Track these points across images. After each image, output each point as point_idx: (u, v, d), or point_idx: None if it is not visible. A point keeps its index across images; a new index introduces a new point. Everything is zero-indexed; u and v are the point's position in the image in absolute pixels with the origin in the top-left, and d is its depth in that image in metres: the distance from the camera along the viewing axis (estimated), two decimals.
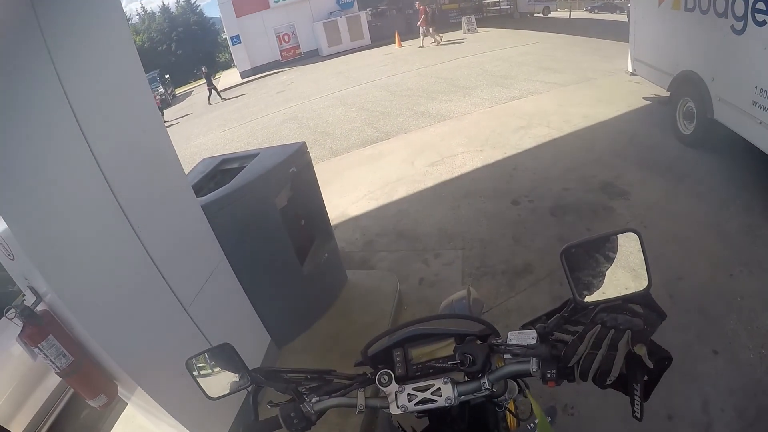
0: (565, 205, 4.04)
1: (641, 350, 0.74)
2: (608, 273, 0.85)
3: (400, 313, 3.18)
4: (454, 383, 0.97)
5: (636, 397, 0.76)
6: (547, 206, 4.09)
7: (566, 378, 0.85)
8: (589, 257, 0.87)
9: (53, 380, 2.78)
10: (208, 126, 12.29)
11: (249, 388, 1.08)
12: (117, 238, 1.78)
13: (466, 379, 1.00)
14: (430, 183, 5.06)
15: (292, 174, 2.75)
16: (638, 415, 0.76)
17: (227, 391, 1.06)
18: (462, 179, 4.98)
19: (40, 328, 1.51)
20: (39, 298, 1.58)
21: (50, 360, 1.54)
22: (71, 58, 1.64)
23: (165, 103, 17.61)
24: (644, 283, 0.82)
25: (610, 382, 0.77)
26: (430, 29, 16.56)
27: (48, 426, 2.80)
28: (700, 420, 2.08)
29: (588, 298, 0.86)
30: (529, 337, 0.91)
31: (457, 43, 15.96)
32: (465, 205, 4.44)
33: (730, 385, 2.20)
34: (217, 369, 1.09)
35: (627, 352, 0.76)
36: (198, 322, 2.10)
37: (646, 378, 0.77)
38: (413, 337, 1.07)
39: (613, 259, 0.85)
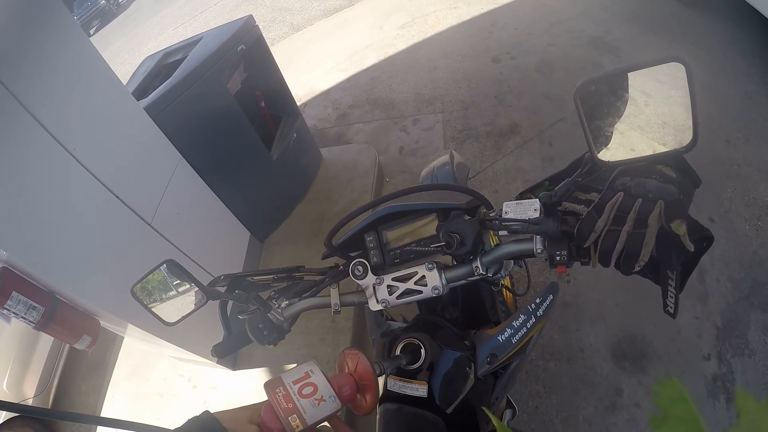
0: (551, 61, 3.71)
1: (680, 228, 0.56)
2: (639, 122, 0.63)
3: (383, 186, 3.07)
4: (441, 269, 0.81)
5: (670, 288, 0.60)
6: (532, 63, 3.75)
7: (580, 260, 0.69)
8: (613, 99, 0.63)
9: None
10: (158, 27, 11.01)
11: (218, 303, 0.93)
12: (54, 168, 1.55)
13: (455, 263, 0.85)
14: (401, 46, 4.63)
15: (242, 52, 2.40)
16: (671, 310, 0.60)
17: (185, 313, 0.90)
18: (436, 39, 4.55)
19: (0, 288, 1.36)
20: None
21: (22, 317, 1.41)
22: None
23: (109, 15, 15.36)
24: (687, 138, 0.59)
25: (639, 267, 0.60)
26: None
27: (58, 376, 2.79)
28: (696, 289, 2.08)
29: (610, 157, 0.65)
30: (531, 208, 0.73)
31: None
32: (442, 66, 4.11)
33: (726, 256, 2.17)
34: (171, 290, 0.92)
35: (659, 229, 0.59)
36: (166, 233, 1.95)
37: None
38: (386, 217, 0.88)
39: (646, 103, 0.62)
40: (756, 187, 2.40)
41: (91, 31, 14.66)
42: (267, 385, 0.61)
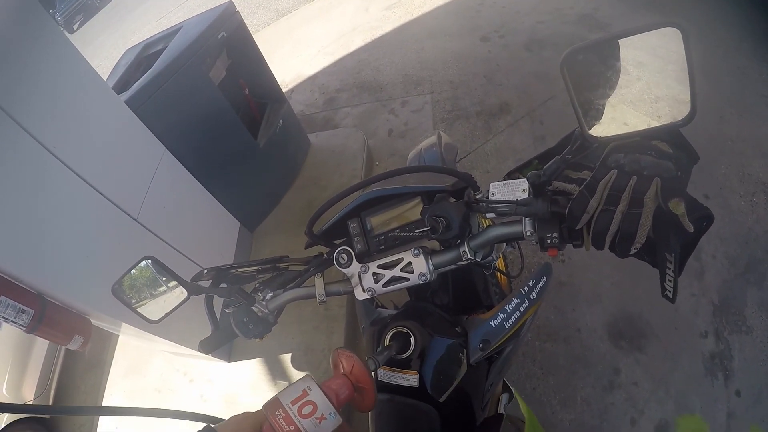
0: (540, 39, 3.65)
1: (678, 207, 0.52)
2: (632, 94, 0.58)
3: (372, 169, 3.04)
4: (427, 254, 0.78)
5: (669, 272, 0.56)
6: (521, 41, 3.69)
7: (572, 243, 0.65)
8: (604, 69, 0.58)
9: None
10: (142, 19, 10.82)
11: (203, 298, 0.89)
12: (34, 168, 1.50)
13: (442, 247, 0.81)
14: (388, 28, 4.56)
15: (223, 40, 2.34)
16: (670, 294, 0.57)
17: (168, 310, 0.87)
18: (423, 20, 4.48)
19: None
20: None
21: (12, 321, 1.37)
22: None
23: (92, 9, 14.98)
24: (684, 111, 0.55)
25: (635, 250, 0.56)
26: None
27: (57, 376, 2.75)
28: (692, 266, 2.07)
29: (601, 132, 0.60)
30: (519, 188, 0.69)
31: None
32: (429, 47, 4.05)
33: (722, 232, 2.15)
34: (154, 287, 0.89)
35: (656, 208, 0.55)
36: (153, 228, 1.91)
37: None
38: (369, 202, 0.84)
39: (639, 73, 0.58)
40: (750, 163, 2.38)
41: (75, 27, 14.33)
42: (266, 408, 0.59)
